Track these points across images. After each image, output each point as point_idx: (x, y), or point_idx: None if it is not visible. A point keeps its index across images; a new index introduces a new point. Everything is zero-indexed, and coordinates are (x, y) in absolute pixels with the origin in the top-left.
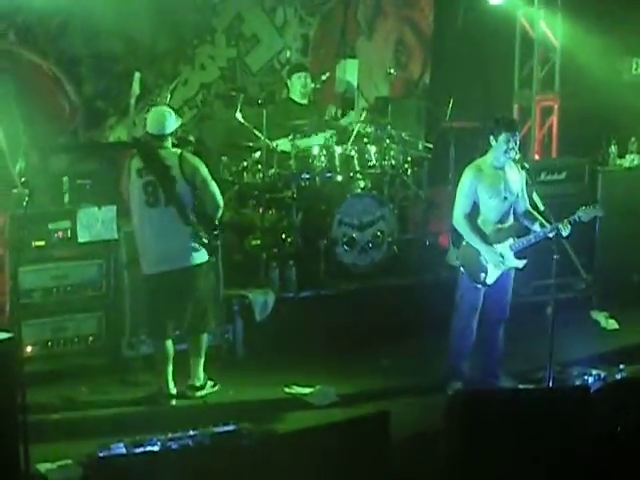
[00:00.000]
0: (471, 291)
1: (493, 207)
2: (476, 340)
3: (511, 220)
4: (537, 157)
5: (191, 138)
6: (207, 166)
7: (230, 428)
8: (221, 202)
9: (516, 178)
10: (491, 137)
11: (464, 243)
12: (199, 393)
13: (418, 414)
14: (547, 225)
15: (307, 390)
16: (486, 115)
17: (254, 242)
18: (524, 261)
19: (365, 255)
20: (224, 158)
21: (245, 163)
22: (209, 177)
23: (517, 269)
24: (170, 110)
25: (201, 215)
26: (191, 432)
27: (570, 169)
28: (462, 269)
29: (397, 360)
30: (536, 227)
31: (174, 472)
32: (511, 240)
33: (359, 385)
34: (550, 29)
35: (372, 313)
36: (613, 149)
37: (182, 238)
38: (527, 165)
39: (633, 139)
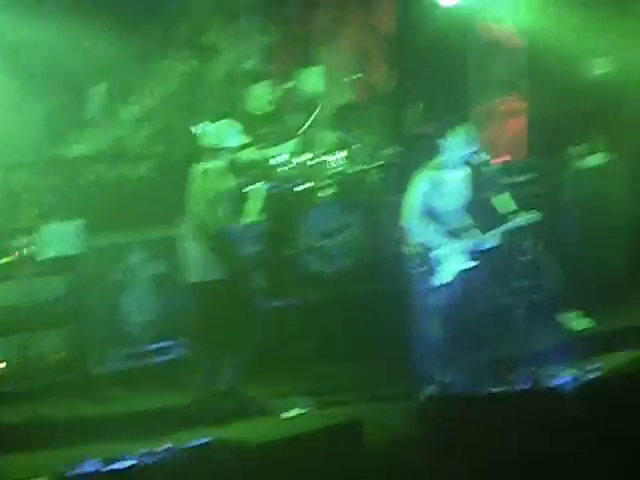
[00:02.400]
0: (431, 293)
1: (447, 208)
2: (443, 343)
3: (466, 221)
4: (505, 159)
5: (154, 151)
6: None
7: (204, 441)
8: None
9: (469, 182)
10: (445, 138)
11: (418, 243)
12: None
13: (392, 421)
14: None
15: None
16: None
17: None
18: (476, 262)
19: (333, 262)
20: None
21: None
22: (218, 201)
23: (475, 270)
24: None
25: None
26: (165, 446)
27: (538, 170)
28: (419, 269)
29: (369, 367)
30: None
31: None
32: (465, 241)
33: (331, 394)
34: (513, 31)
35: (341, 320)
36: (581, 148)
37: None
38: (494, 167)
39: (601, 138)
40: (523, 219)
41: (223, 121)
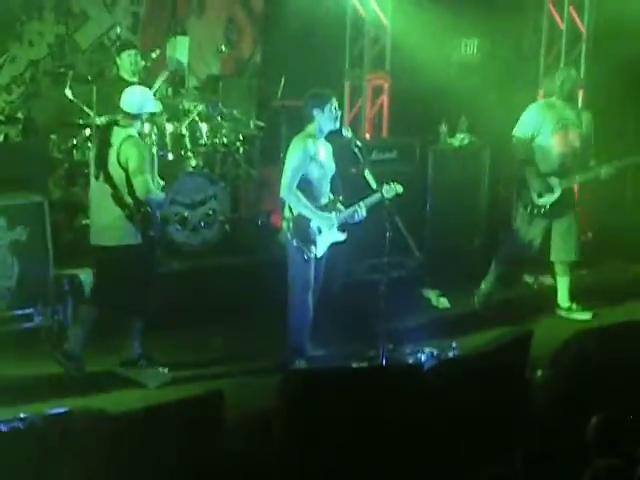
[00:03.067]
0: (302, 266)
1: (317, 179)
2: (308, 317)
3: (331, 194)
4: (368, 136)
5: (19, 116)
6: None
7: (62, 410)
8: (145, 194)
9: (333, 154)
10: (314, 109)
11: (295, 214)
12: None
13: (256, 395)
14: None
15: (139, 371)
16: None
17: (84, 221)
18: (343, 236)
19: (197, 234)
20: (53, 136)
21: (75, 141)
22: (141, 168)
23: (341, 245)
24: (147, 91)
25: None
26: (21, 415)
27: (401, 148)
28: (294, 241)
29: (232, 340)
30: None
31: (3, 456)
32: (334, 213)
33: (193, 365)
34: (381, 8)
35: (205, 293)
36: (443, 128)
37: (112, 216)
38: (359, 143)
39: (463, 118)
40: (385, 192)
41: (139, 87)
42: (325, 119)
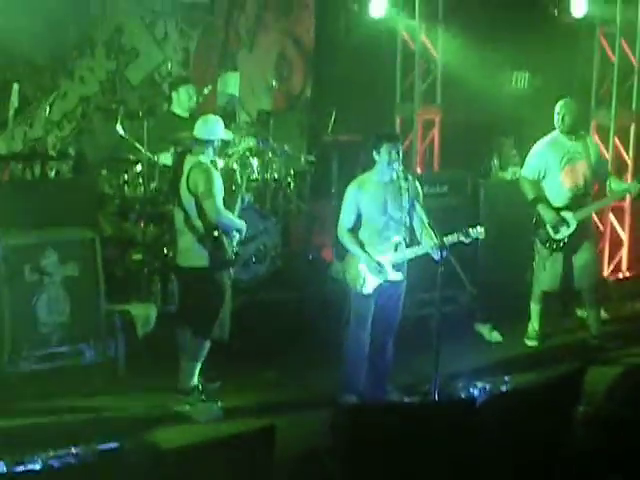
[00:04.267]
0: (358, 301)
1: (375, 221)
2: (364, 353)
3: (397, 235)
4: (419, 170)
5: (71, 151)
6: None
7: (113, 445)
8: (216, 217)
9: (405, 193)
10: (374, 151)
11: (348, 255)
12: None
13: (307, 430)
14: (430, 241)
15: (192, 406)
16: (368, 128)
17: (135, 256)
18: (400, 274)
19: (248, 269)
20: (104, 171)
21: (126, 176)
22: (209, 193)
23: (401, 282)
24: (220, 120)
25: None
26: (73, 450)
27: (452, 182)
28: (345, 278)
29: (285, 375)
30: (424, 242)
31: None
32: (392, 253)
33: (245, 400)
34: (431, 42)
35: (257, 327)
36: (495, 162)
37: (186, 239)
38: (415, 175)
39: (514, 152)
40: (464, 237)
41: (212, 116)
42: (382, 162)
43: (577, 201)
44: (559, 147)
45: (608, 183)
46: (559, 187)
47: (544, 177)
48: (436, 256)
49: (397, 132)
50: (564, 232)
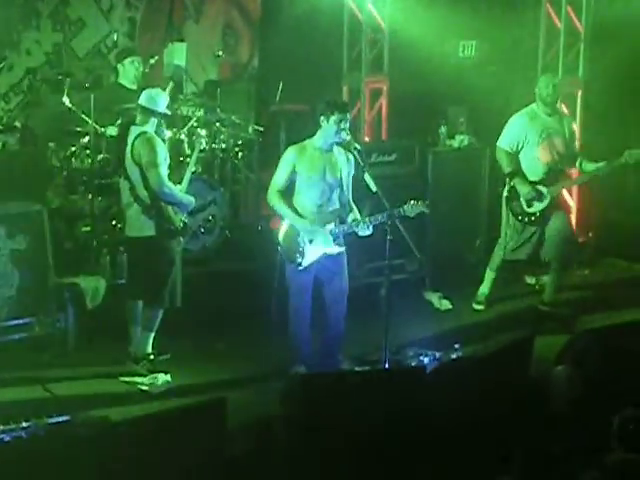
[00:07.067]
0: (296, 272)
1: (312, 189)
2: (316, 323)
3: (335, 205)
4: (367, 139)
5: (17, 124)
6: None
7: (64, 419)
8: (158, 188)
9: (343, 165)
10: (322, 118)
11: (286, 222)
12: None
13: (258, 401)
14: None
15: (141, 378)
16: (316, 98)
17: (84, 229)
18: (341, 248)
19: (197, 240)
20: (52, 144)
21: (73, 148)
22: (153, 162)
23: (341, 255)
24: (166, 94)
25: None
26: (24, 423)
27: (400, 151)
28: (279, 249)
29: (234, 346)
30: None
31: (7, 465)
32: (332, 225)
33: (195, 371)
34: (378, 11)
35: (206, 298)
36: (443, 130)
37: (133, 210)
38: (358, 147)
39: (462, 119)
40: (409, 209)
41: (158, 89)
42: (328, 130)
43: (552, 176)
44: (538, 121)
45: (579, 162)
46: (535, 161)
47: (521, 149)
48: (362, 232)
49: (346, 101)
50: (537, 206)
